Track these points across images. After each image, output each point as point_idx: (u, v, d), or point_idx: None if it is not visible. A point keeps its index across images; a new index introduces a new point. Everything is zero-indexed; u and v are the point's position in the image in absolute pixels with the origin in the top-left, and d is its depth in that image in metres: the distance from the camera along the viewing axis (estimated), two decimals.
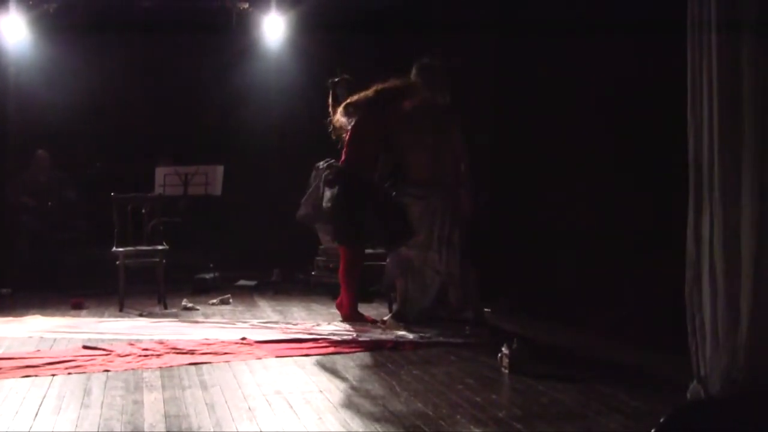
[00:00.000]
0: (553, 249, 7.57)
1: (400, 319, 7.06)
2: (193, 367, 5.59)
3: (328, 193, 7.12)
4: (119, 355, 5.91)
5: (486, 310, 7.25)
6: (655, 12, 5.89)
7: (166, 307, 8.12)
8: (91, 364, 5.64)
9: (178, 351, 6.05)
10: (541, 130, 7.77)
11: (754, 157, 4.21)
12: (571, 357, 5.91)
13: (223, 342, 6.36)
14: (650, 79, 6.28)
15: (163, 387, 5.08)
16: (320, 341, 6.39)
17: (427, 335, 6.59)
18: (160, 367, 5.59)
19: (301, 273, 9.65)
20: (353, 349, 6.15)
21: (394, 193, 7.13)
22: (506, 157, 8.13)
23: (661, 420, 3.73)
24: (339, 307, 7.43)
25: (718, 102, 4.33)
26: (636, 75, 6.52)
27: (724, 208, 4.33)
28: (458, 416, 4.44)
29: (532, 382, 5.12)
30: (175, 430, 4.24)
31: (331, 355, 5.97)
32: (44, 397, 4.84)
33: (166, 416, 4.46)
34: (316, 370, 5.55)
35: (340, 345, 6.28)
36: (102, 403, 4.73)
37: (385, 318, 7.19)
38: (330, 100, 7.76)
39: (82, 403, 4.71)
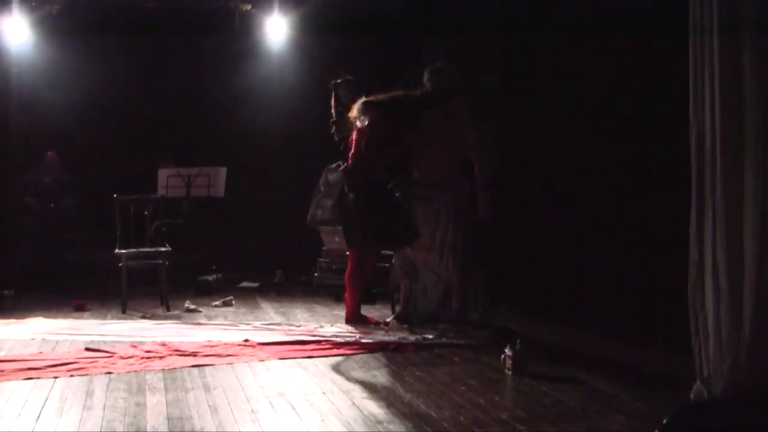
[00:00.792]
0: (555, 249, 7.56)
1: (403, 320, 7.06)
2: (195, 369, 5.59)
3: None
4: (122, 357, 5.91)
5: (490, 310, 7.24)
6: (657, 14, 5.89)
7: (168, 309, 8.11)
8: (94, 366, 5.64)
9: (180, 353, 6.05)
10: (544, 131, 7.75)
11: (756, 158, 4.21)
12: (573, 357, 5.90)
13: (225, 344, 6.36)
14: (652, 80, 6.27)
15: (166, 389, 5.08)
16: (323, 343, 6.39)
17: (430, 337, 6.59)
18: (162, 369, 5.59)
19: (303, 275, 9.63)
20: (356, 351, 6.15)
21: (397, 194, 7.13)
22: (506, 157, 8.10)
23: (665, 421, 3.74)
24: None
25: (720, 103, 4.33)
26: (638, 76, 6.51)
27: (726, 208, 4.33)
28: (461, 417, 4.44)
29: (534, 383, 5.13)
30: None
31: (334, 357, 5.97)
32: (46, 400, 4.84)
33: (169, 418, 4.46)
34: (319, 371, 5.54)
35: (343, 347, 6.28)
36: (104, 405, 4.73)
37: (388, 320, 7.18)
38: (332, 102, 7.76)
39: (84, 406, 4.71)
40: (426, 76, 7.12)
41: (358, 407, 4.66)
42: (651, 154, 6.33)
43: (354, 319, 7.26)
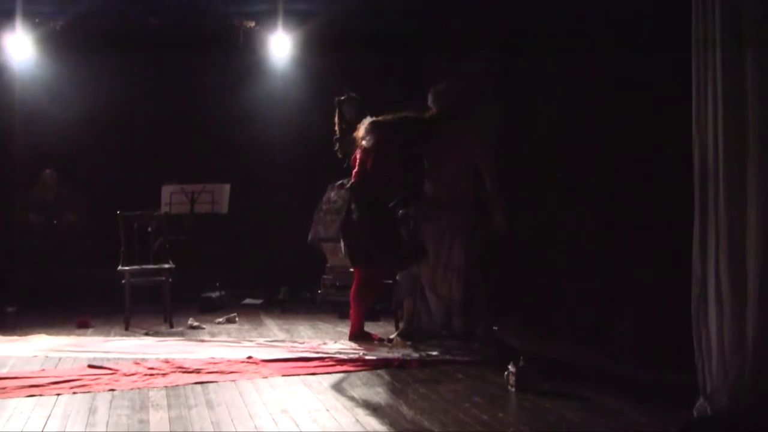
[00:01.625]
0: (559, 266, 7.55)
1: (407, 337, 7.05)
2: (199, 386, 5.57)
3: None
4: (125, 374, 5.90)
5: (493, 327, 7.22)
6: (660, 28, 5.90)
7: (172, 326, 8.11)
8: (97, 383, 5.63)
9: (184, 370, 6.03)
10: (544, 148, 7.76)
11: (759, 171, 4.20)
12: (577, 374, 5.88)
13: (229, 361, 6.34)
14: (655, 94, 6.27)
15: (169, 406, 5.07)
16: (327, 360, 6.37)
17: (434, 353, 6.58)
18: (166, 386, 5.58)
19: (307, 291, 9.63)
20: (360, 368, 6.13)
21: (401, 212, 7.12)
22: (509, 173, 8.11)
23: None
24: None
25: (723, 118, 4.33)
26: (641, 90, 6.51)
27: (729, 224, 4.33)
28: None
29: (538, 400, 5.10)
30: None
31: (337, 374, 5.96)
32: (49, 417, 4.82)
33: None
34: (323, 388, 5.53)
35: (347, 363, 6.27)
36: (107, 422, 4.71)
37: (392, 336, 7.17)
38: (336, 118, 7.77)
39: (87, 423, 4.70)
40: (431, 98, 7.10)
41: (361, 424, 4.64)
42: (653, 171, 6.33)
43: (358, 336, 7.25)
